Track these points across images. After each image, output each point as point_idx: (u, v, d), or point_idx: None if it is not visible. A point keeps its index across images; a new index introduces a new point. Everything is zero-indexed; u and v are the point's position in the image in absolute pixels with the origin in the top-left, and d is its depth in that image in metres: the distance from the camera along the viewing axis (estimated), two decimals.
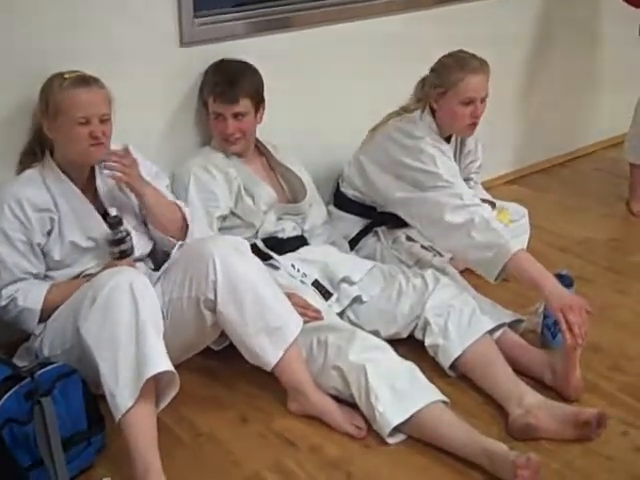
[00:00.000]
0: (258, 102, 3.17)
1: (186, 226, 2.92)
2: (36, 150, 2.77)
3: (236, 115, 3.11)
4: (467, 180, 3.50)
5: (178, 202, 2.97)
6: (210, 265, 2.61)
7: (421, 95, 3.26)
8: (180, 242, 2.87)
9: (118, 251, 2.73)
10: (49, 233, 2.70)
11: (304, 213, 3.32)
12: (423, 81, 3.27)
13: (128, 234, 2.74)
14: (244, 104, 3.11)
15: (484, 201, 3.37)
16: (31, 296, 2.67)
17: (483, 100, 3.16)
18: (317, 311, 2.87)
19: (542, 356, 2.88)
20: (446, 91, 3.14)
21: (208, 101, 3.16)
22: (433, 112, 3.22)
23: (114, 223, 2.71)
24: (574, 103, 4.78)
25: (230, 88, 3.09)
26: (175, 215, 2.91)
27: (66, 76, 2.66)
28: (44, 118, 2.68)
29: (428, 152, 3.12)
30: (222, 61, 3.21)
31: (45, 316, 2.67)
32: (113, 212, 2.74)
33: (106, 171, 2.72)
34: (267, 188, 3.21)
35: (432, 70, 3.22)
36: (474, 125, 3.21)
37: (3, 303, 2.67)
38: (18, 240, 2.66)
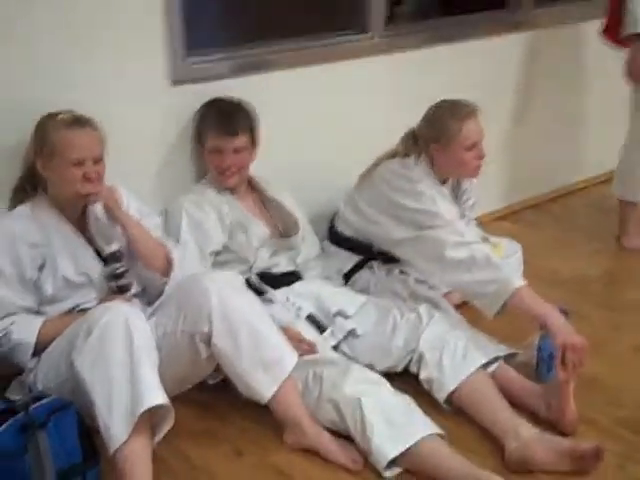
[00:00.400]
0: (254, 138, 3.20)
1: (170, 265, 2.88)
2: (27, 187, 2.77)
3: (235, 150, 3.13)
4: (461, 218, 3.52)
5: (164, 242, 2.94)
6: (205, 299, 2.61)
7: (414, 150, 3.26)
8: (165, 281, 2.85)
9: (116, 286, 2.72)
10: (41, 268, 2.69)
11: (297, 247, 3.32)
12: (413, 136, 3.28)
13: (127, 270, 2.73)
14: (242, 139, 3.14)
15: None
16: (25, 330, 2.65)
17: (482, 140, 3.20)
18: (311, 344, 2.87)
19: (537, 390, 2.87)
20: (447, 144, 3.17)
21: (206, 135, 3.17)
22: (429, 158, 3.25)
23: (114, 258, 2.70)
24: (563, 139, 4.83)
25: (230, 122, 3.13)
26: (159, 252, 2.87)
27: (60, 117, 2.67)
28: (38, 157, 2.68)
29: (427, 193, 3.14)
30: (217, 99, 3.23)
31: (39, 350, 2.65)
32: (114, 247, 2.73)
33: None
34: (259, 225, 3.22)
35: (426, 126, 3.24)
36: (479, 167, 3.25)
37: None
38: (10, 275, 2.65)
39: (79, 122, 2.67)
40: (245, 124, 3.17)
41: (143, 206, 2.96)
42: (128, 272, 2.75)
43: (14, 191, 2.80)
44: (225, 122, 3.13)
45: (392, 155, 3.32)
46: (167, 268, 2.86)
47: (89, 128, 2.68)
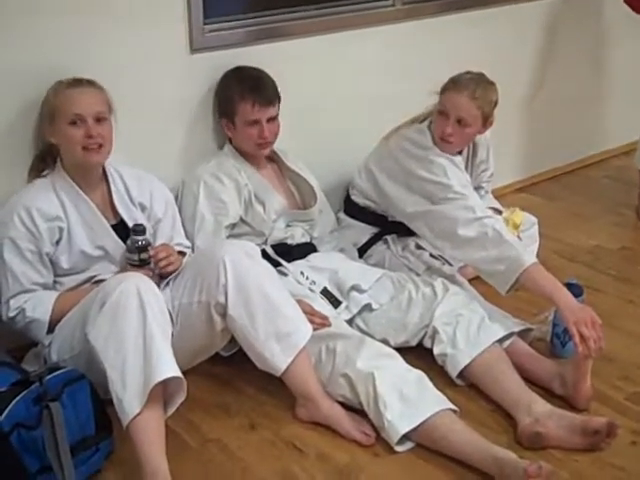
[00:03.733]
0: (279, 106, 3.19)
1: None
2: (47, 159, 2.77)
3: (270, 119, 3.13)
4: (478, 189, 3.50)
5: (186, 248, 2.98)
6: (221, 269, 2.61)
7: (432, 107, 3.25)
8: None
9: (138, 259, 2.71)
10: (58, 242, 2.70)
11: (314, 219, 3.31)
12: None
13: (150, 244, 2.74)
14: (275, 107, 3.14)
15: (493, 210, 3.37)
16: (39, 307, 2.66)
17: (461, 122, 3.09)
18: (324, 318, 2.87)
19: (551, 365, 2.87)
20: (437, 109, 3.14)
21: (239, 109, 3.10)
22: None
23: (139, 231, 2.70)
24: (583, 111, 4.77)
25: (265, 91, 3.12)
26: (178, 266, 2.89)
27: (62, 80, 2.68)
28: (44, 124, 2.69)
29: (438, 162, 3.11)
30: (239, 69, 3.20)
31: (54, 326, 2.67)
32: (139, 220, 2.74)
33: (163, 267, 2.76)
34: (278, 196, 3.21)
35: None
36: (445, 143, 3.14)
37: (11, 314, 2.67)
38: (27, 250, 2.66)
39: (79, 82, 2.68)
40: (275, 91, 3.16)
41: (168, 194, 2.98)
42: (151, 246, 2.74)
43: (33, 163, 2.79)
44: (262, 92, 3.11)
45: (414, 120, 3.30)
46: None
47: (89, 87, 2.68)
